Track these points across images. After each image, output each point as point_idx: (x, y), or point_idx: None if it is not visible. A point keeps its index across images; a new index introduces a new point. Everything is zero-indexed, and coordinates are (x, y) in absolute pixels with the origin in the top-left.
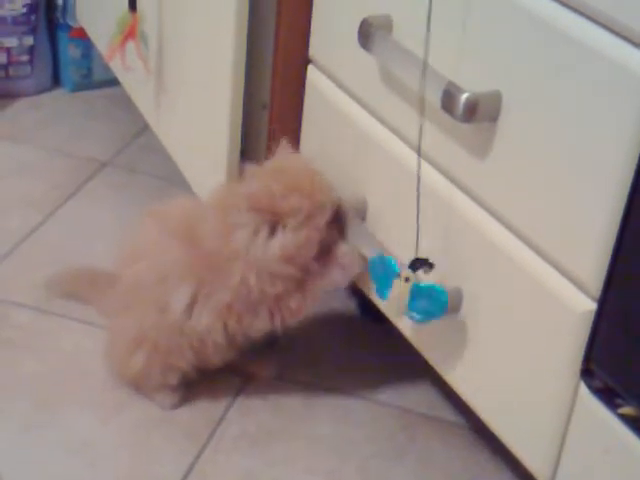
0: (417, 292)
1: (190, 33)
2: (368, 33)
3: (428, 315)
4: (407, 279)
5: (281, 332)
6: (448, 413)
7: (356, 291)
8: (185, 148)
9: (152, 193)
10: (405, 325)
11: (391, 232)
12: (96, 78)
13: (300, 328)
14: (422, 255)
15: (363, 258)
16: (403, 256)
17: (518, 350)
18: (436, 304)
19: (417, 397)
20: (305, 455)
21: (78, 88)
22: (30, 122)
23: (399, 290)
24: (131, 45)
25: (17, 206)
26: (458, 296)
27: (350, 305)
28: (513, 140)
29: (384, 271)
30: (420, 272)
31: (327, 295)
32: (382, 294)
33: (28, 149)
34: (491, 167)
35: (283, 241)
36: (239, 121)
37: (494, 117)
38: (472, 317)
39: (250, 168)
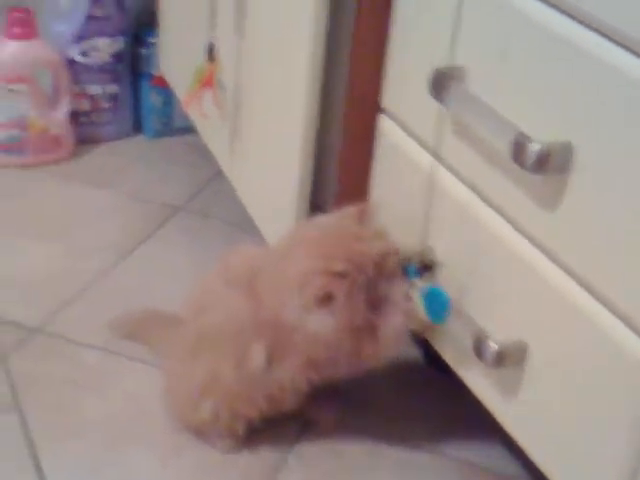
0: (425, 296)
1: (265, 82)
2: (439, 83)
3: (438, 316)
4: (415, 284)
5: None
6: (512, 468)
7: (421, 340)
8: (256, 195)
9: (224, 238)
10: (468, 374)
11: (458, 281)
12: (176, 125)
13: (364, 374)
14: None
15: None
16: (477, 307)
17: (580, 400)
18: (440, 305)
19: (482, 450)
20: None
21: (158, 135)
22: (110, 167)
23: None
24: (208, 93)
25: (94, 249)
26: (522, 348)
27: (415, 354)
28: (584, 192)
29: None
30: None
31: None
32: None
33: (107, 194)
34: (560, 218)
35: (332, 318)
36: (309, 169)
37: (565, 168)
38: (534, 368)
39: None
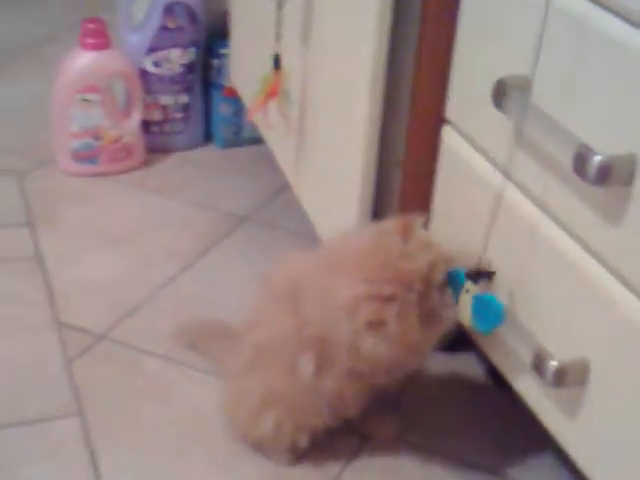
0: (477, 303)
1: (329, 93)
2: (502, 93)
3: (488, 324)
4: (467, 290)
5: (403, 390)
6: None
7: (485, 357)
8: (319, 205)
9: (290, 249)
10: (526, 390)
11: (516, 293)
12: (245, 135)
13: (424, 390)
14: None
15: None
16: (536, 321)
17: None
18: (493, 313)
19: (541, 472)
20: None
21: (228, 145)
22: (180, 177)
23: (463, 301)
24: (273, 103)
25: (160, 257)
26: (585, 367)
27: (478, 370)
28: None
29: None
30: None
31: (454, 359)
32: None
33: (176, 202)
34: (624, 233)
35: (386, 341)
36: (371, 180)
37: (629, 181)
38: (597, 387)
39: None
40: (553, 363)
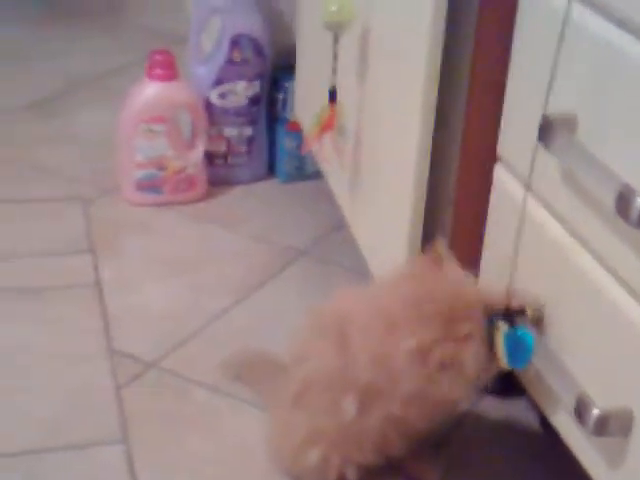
0: (508, 339)
1: (383, 127)
2: (548, 130)
3: (521, 360)
4: (498, 329)
5: (452, 433)
6: None
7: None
8: (372, 241)
9: (343, 286)
10: (574, 442)
11: (568, 343)
12: (308, 170)
13: (474, 433)
14: None
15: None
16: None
17: None
18: (524, 348)
19: None
20: None
21: (290, 179)
22: (240, 209)
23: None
24: (328, 136)
25: (215, 289)
26: (627, 415)
27: (531, 417)
28: None
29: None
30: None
31: (507, 405)
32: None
33: (235, 235)
34: None
35: (460, 384)
36: (420, 216)
37: None
38: None
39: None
40: (595, 411)
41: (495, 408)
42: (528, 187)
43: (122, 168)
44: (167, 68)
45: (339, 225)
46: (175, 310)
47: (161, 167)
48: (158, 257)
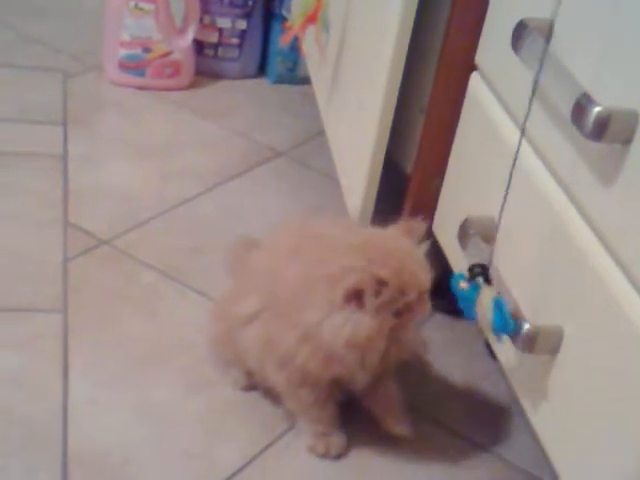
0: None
1: (364, 28)
2: (521, 34)
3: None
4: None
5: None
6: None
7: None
8: (341, 145)
9: (318, 190)
10: (507, 362)
11: (511, 255)
12: (299, 74)
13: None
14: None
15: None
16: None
17: (610, 405)
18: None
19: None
20: (380, 464)
21: (280, 80)
22: (223, 103)
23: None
24: (311, 29)
25: (183, 176)
26: (558, 336)
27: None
28: None
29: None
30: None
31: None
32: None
33: (214, 127)
34: (614, 195)
35: (355, 326)
36: (388, 122)
37: (628, 139)
38: (568, 360)
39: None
40: (527, 326)
41: (448, 326)
42: (499, 97)
43: (107, 45)
44: None
45: (322, 131)
46: (138, 193)
47: (146, 49)
48: (130, 139)
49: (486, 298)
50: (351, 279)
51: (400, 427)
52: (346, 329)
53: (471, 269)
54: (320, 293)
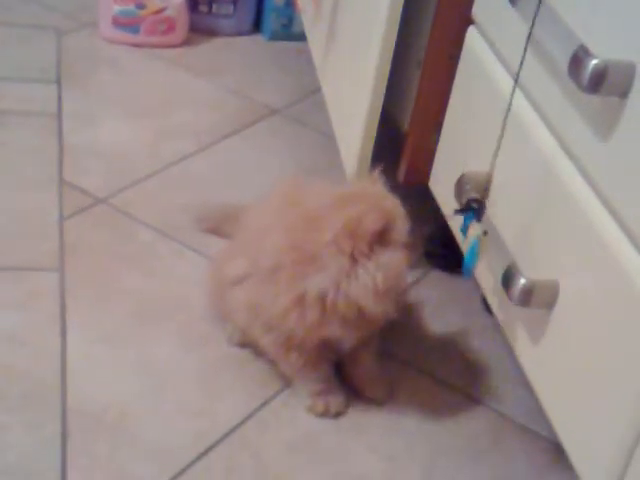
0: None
1: None
2: None
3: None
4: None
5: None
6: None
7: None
8: (337, 101)
9: (313, 148)
10: (503, 316)
11: (507, 209)
12: (294, 30)
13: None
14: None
15: None
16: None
17: (603, 357)
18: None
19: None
20: (374, 436)
21: (275, 37)
22: (219, 61)
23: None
24: None
25: (178, 134)
26: (554, 290)
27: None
28: None
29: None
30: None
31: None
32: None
33: (208, 84)
34: (611, 148)
35: (388, 267)
36: (385, 76)
37: (624, 92)
38: (564, 313)
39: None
40: (522, 280)
41: (440, 285)
42: (496, 51)
43: (101, 1)
44: None
45: (318, 88)
46: (133, 150)
47: (140, 5)
48: (125, 96)
49: (471, 235)
50: (369, 221)
51: (376, 391)
52: (379, 274)
53: (467, 201)
54: (331, 256)
